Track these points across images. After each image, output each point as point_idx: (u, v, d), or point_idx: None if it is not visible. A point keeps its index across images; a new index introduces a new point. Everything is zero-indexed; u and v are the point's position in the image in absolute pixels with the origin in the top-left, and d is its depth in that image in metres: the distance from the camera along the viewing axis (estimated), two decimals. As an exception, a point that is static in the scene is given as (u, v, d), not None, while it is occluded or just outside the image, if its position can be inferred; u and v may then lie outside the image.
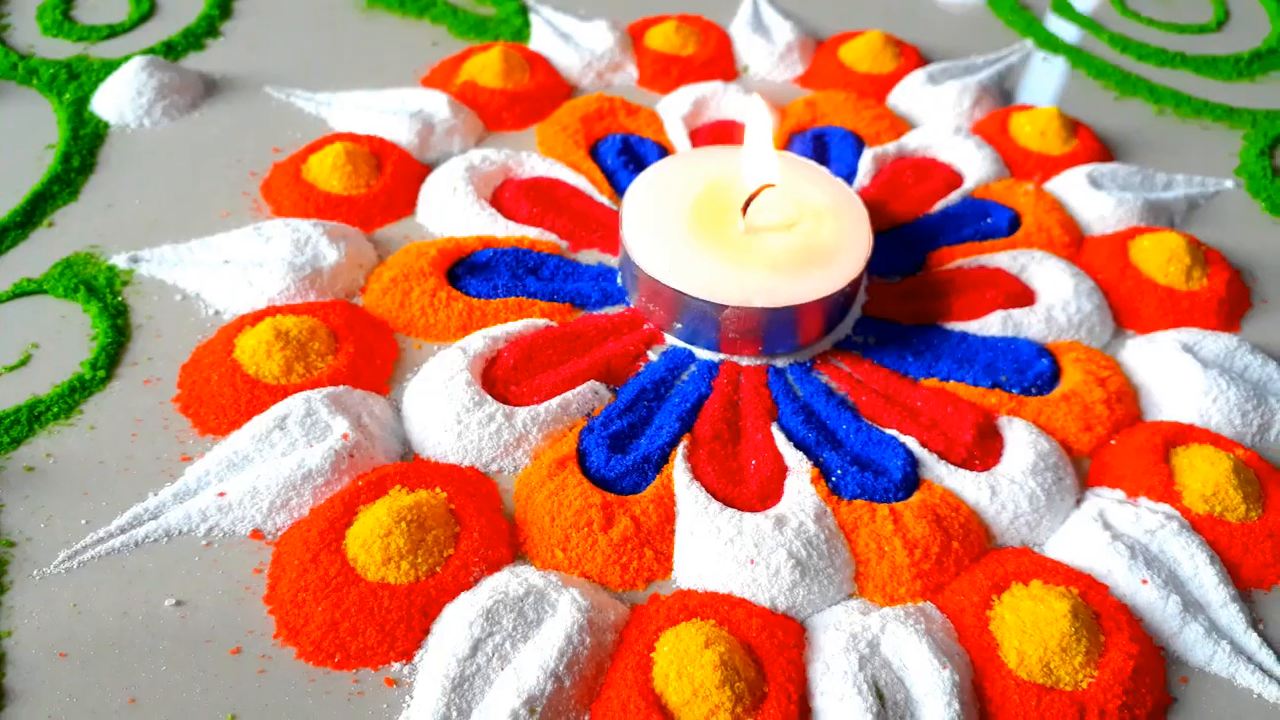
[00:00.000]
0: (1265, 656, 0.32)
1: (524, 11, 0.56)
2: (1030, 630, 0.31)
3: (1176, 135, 0.53)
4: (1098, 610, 0.32)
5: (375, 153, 0.45)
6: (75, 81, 0.50)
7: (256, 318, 0.38)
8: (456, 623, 0.30)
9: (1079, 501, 0.36)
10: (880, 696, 0.29)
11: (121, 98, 0.49)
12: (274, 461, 0.34)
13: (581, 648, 0.30)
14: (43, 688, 0.30)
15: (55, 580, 0.32)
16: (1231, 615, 0.33)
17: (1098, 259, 0.44)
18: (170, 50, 0.53)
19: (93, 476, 0.35)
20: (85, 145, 0.47)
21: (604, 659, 0.30)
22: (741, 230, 0.40)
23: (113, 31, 0.54)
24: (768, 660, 0.30)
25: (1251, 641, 0.32)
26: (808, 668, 0.30)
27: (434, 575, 0.31)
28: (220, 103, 0.50)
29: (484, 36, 0.55)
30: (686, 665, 0.29)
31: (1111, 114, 0.54)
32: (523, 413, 0.36)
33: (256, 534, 0.33)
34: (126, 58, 0.51)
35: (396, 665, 0.30)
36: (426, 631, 0.31)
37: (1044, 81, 0.55)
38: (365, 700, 0.30)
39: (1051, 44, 0.58)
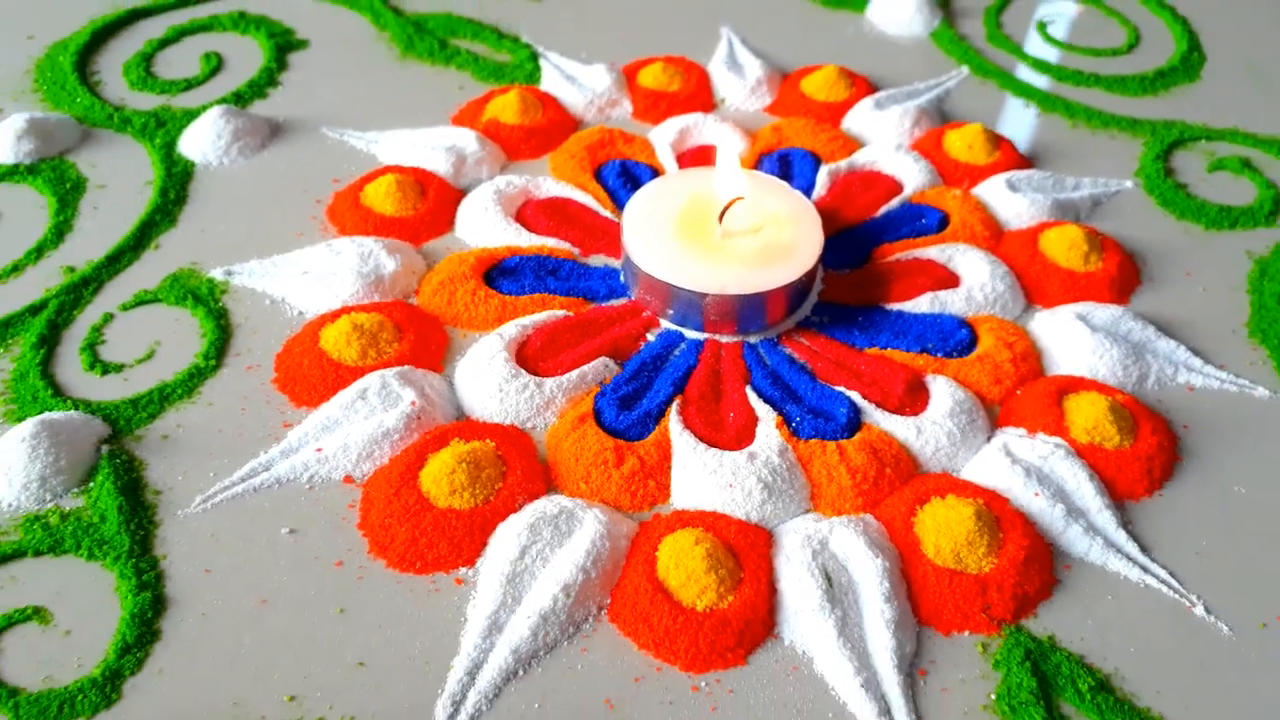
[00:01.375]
0: (1131, 549, 0.41)
1: (535, 58, 0.66)
2: (944, 529, 0.40)
3: (1087, 144, 0.62)
4: (998, 515, 0.41)
5: (419, 181, 0.55)
6: (163, 128, 0.60)
7: (334, 315, 0.47)
8: (507, 535, 0.39)
9: (989, 438, 0.45)
10: (829, 579, 0.38)
11: (203, 141, 0.58)
12: (358, 424, 0.43)
13: (602, 549, 0.39)
14: (194, 595, 0.39)
15: (194, 518, 0.41)
16: (1105, 519, 0.42)
17: (1012, 249, 0.53)
18: (239, 99, 0.62)
19: (214, 441, 0.44)
20: (177, 181, 0.57)
21: (619, 558, 0.39)
22: (719, 235, 0.49)
23: (189, 85, 0.64)
24: (743, 555, 0.39)
25: (1120, 537, 0.42)
26: (774, 560, 0.39)
27: (488, 502, 0.41)
28: (285, 143, 0.60)
29: (502, 80, 0.64)
30: (682, 558, 0.38)
31: (1036, 128, 0.63)
32: (549, 382, 0.45)
33: (348, 479, 0.42)
34: (204, 107, 0.60)
35: (463, 569, 0.40)
36: (484, 543, 0.40)
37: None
38: (441, 595, 0.39)
39: (984, 70, 0.67)
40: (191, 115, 0.60)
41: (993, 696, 0.37)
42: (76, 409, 0.45)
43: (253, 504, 0.42)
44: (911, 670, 0.37)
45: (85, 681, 0.36)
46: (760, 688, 0.37)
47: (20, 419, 0.44)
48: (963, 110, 0.64)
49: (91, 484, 0.42)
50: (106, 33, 0.67)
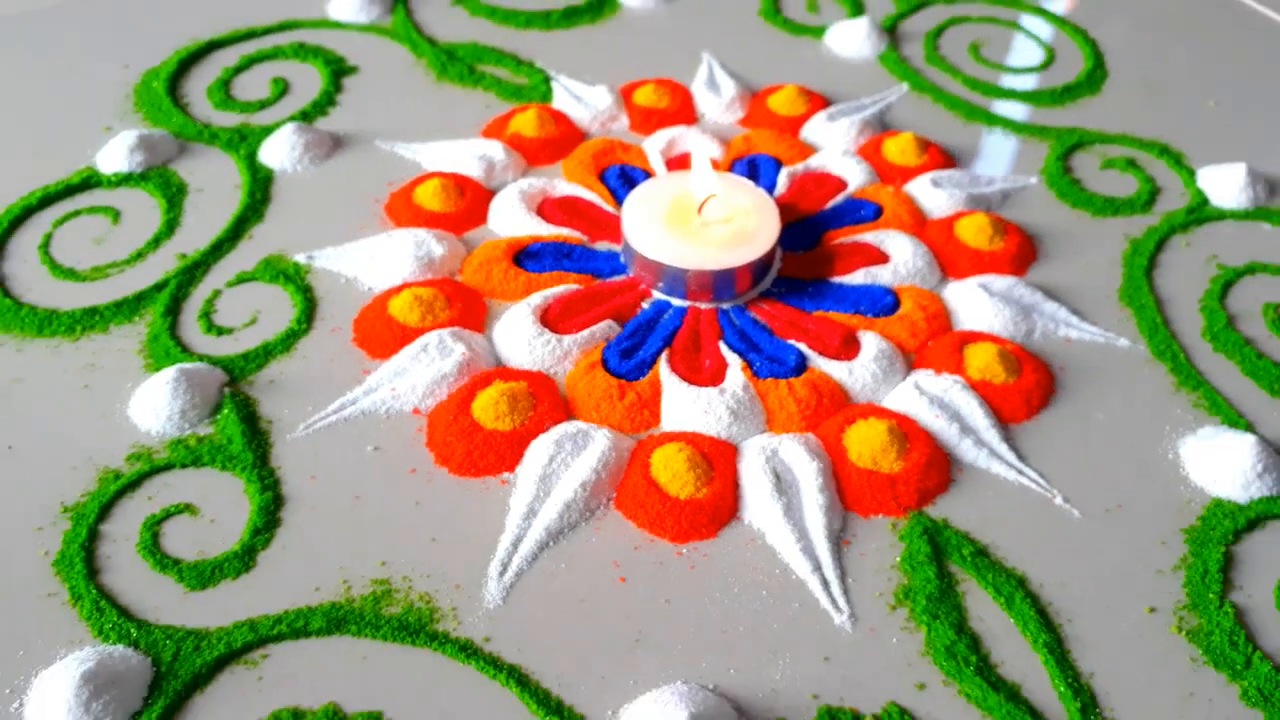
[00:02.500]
0: (1010, 457, 0.54)
1: (548, 80, 0.78)
2: (865, 441, 0.52)
3: (1002, 146, 0.75)
4: (907, 432, 0.53)
5: (458, 184, 0.67)
6: (245, 141, 0.72)
7: (397, 289, 0.60)
8: (539, 448, 0.52)
9: (905, 377, 0.57)
10: (778, 477, 0.51)
11: (280, 151, 0.71)
12: (422, 370, 0.56)
13: (609, 457, 0.51)
14: (304, 495, 0.51)
15: (299, 440, 0.54)
16: (992, 436, 0.55)
17: (932, 233, 0.66)
18: (305, 116, 0.75)
19: (309, 384, 0.57)
20: (261, 185, 0.69)
21: (622, 463, 0.52)
22: (698, 224, 0.61)
23: (262, 105, 0.76)
24: (715, 460, 0.52)
25: (1002, 449, 0.54)
26: (737, 464, 0.52)
27: (523, 425, 0.53)
28: (346, 153, 0.72)
29: (521, 99, 0.77)
30: (669, 462, 0.51)
31: (960, 134, 0.76)
32: (567, 339, 0.57)
33: (416, 410, 0.55)
34: (277, 124, 0.73)
35: (507, 474, 0.52)
36: (521, 455, 0.52)
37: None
38: (490, 493, 0.52)
39: (921, 86, 0.80)
40: (267, 131, 0.73)
41: (898, 559, 0.50)
42: (200, 361, 0.57)
43: (343, 430, 0.54)
44: (837, 541, 0.50)
45: (229, 554, 0.49)
46: (726, 554, 0.50)
47: (158, 369, 0.56)
48: (901, 121, 0.76)
49: (218, 416, 0.55)
50: (189, 62, 0.80)
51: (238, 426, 0.54)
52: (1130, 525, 0.52)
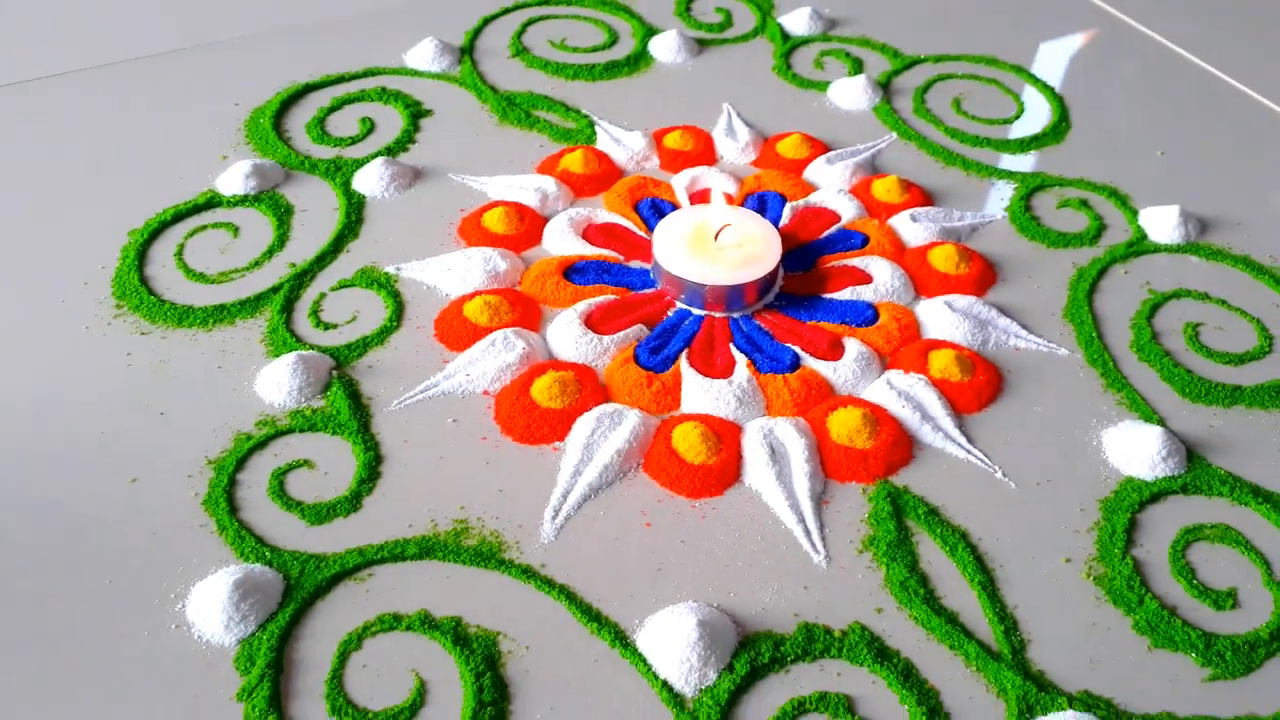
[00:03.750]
0: (961, 440, 0.65)
1: (592, 125, 0.91)
2: (843, 423, 0.64)
3: (976, 188, 0.87)
4: (877, 417, 0.65)
5: (518, 211, 0.80)
6: (340, 171, 0.85)
7: (470, 296, 0.72)
8: (584, 423, 0.64)
9: (879, 375, 0.69)
10: (773, 450, 0.63)
11: (370, 180, 0.83)
12: (491, 360, 0.68)
13: (640, 430, 0.63)
14: (399, 455, 0.64)
15: (393, 413, 0.66)
16: (947, 423, 0.66)
17: (909, 260, 0.78)
18: (389, 152, 0.88)
19: (400, 369, 0.69)
20: (355, 208, 0.82)
21: (649, 437, 0.64)
22: (715, 247, 0.74)
23: (353, 141, 0.89)
24: (723, 436, 0.64)
25: (955, 434, 0.66)
26: (741, 439, 0.64)
27: (571, 405, 0.65)
28: (424, 183, 0.85)
29: (570, 141, 0.89)
30: (687, 435, 0.63)
31: (938, 176, 0.88)
32: (606, 338, 0.70)
33: (485, 392, 0.67)
34: (367, 158, 0.86)
35: (558, 443, 0.64)
36: (570, 428, 0.65)
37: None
38: (544, 457, 0.64)
39: (909, 135, 0.92)
40: (358, 163, 0.85)
41: (866, 515, 0.61)
42: (312, 349, 0.70)
43: (428, 406, 0.67)
44: (818, 500, 0.62)
45: (340, 498, 0.61)
46: (730, 508, 0.61)
47: (278, 355, 0.69)
48: (890, 164, 0.88)
49: (328, 392, 0.67)
50: (290, 102, 0.93)
51: (344, 401, 0.66)
52: (1056, 496, 0.63)
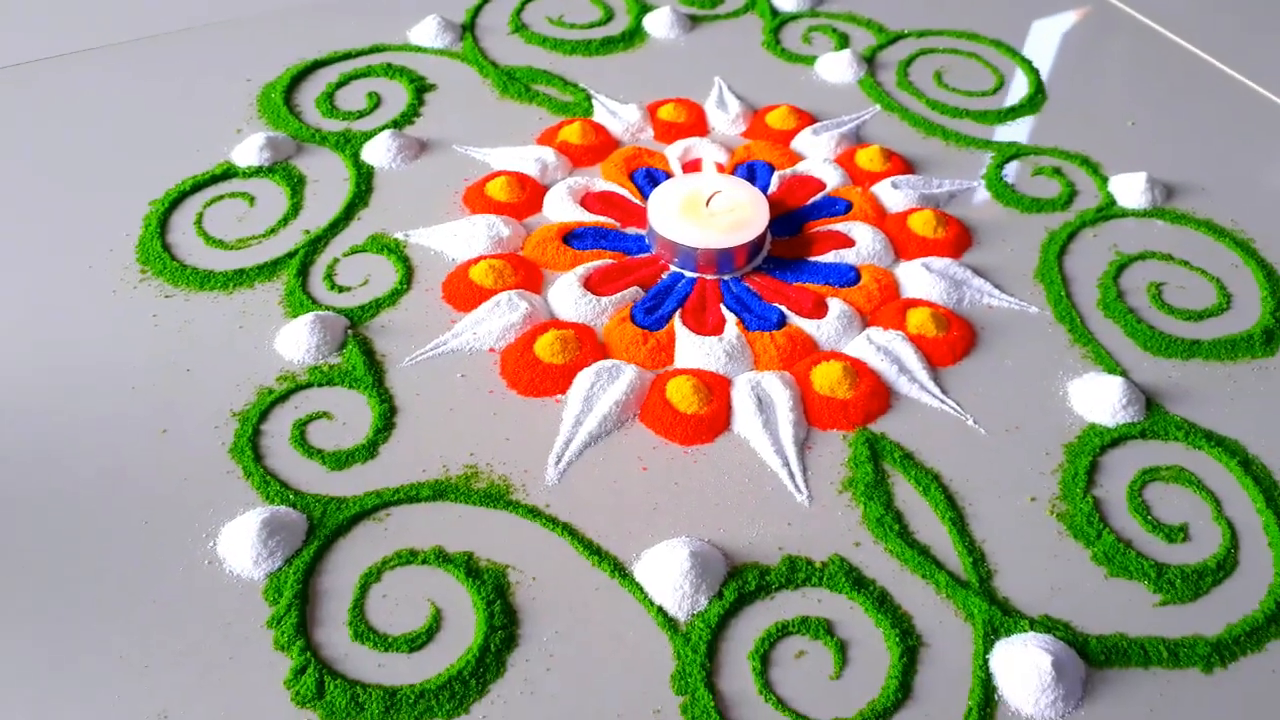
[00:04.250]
0: (935, 390, 0.70)
1: (589, 98, 0.94)
2: (825, 375, 0.68)
3: (955, 157, 0.91)
4: (857, 370, 0.69)
5: (519, 180, 0.84)
6: (350, 143, 0.89)
7: (475, 260, 0.76)
8: (584, 377, 0.68)
9: (860, 332, 0.73)
10: (759, 400, 0.67)
11: (378, 152, 0.87)
12: (496, 319, 0.72)
13: (637, 383, 0.68)
14: (412, 406, 0.68)
15: (406, 369, 0.70)
16: (923, 375, 0.70)
17: (890, 225, 0.81)
18: (396, 125, 0.91)
19: (411, 329, 0.73)
20: (365, 179, 0.86)
21: (644, 389, 0.68)
22: (707, 213, 0.77)
23: (361, 114, 0.93)
24: (714, 387, 0.68)
25: (930, 385, 0.70)
26: (730, 391, 0.68)
27: (572, 361, 0.69)
28: (430, 154, 0.88)
29: (568, 113, 0.93)
30: (680, 387, 0.67)
31: (919, 146, 0.92)
32: (605, 299, 0.74)
33: (492, 350, 0.71)
34: (374, 130, 0.90)
35: (560, 395, 0.68)
36: (571, 381, 0.69)
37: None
38: (548, 407, 0.68)
39: (891, 107, 0.96)
40: (367, 135, 0.89)
41: (846, 459, 0.66)
42: (328, 310, 0.74)
43: (439, 363, 0.71)
44: (801, 446, 0.66)
45: (359, 446, 0.65)
46: (720, 453, 0.66)
47: (296, 315, 0.73)
48: (873, 135, 0.92)
49: (344, 350, 0.71)
50: (300, 77, 0.96)
51: (359, 358, 0.70)
52: (1023, 441, 0.67)
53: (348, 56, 0.99)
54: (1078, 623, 0.58)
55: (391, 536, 0.61)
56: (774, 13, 1.07)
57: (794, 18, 1.07)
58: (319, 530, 0.61)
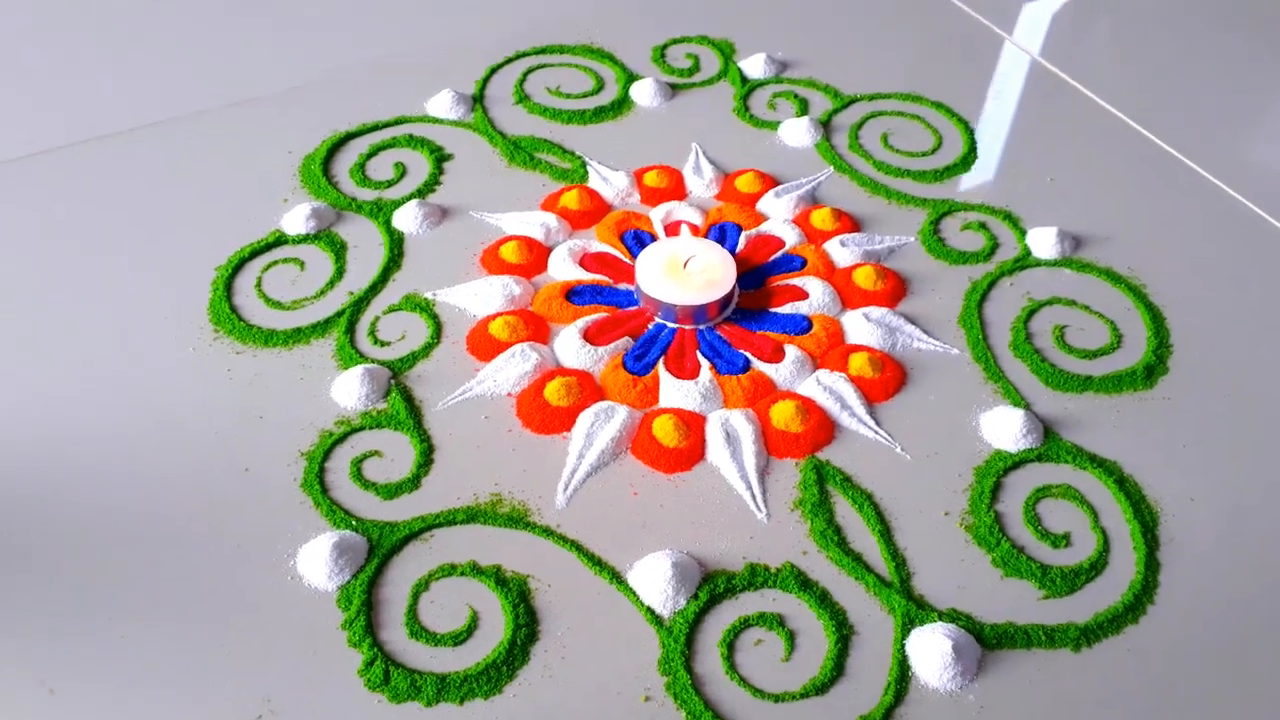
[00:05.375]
0: (871, 423, 0.84)
1: (584, 165, 1.08)
2: (781, 412, 0.82)
3: (895, 214, 1.04)
4: (807, 407, 0.83)
5: (527, 244, 0.97)
6: (382, 211, 1.02)
7: (493, 316, 0.90)
8: (585, 417, 0.82)
9: (811, 374, 0.87)
10: (728, 434, 0.81)
11: (407, 219, 1.00)
12: (512, 368, 0.86)
13: (629, 422, 0.82)
14: (448, 443, 0.82)
15: (440, 412, 0.84)
16: (861, 411, 0.84)
17: (838, 278, 0.95)
18: (420, 194, 1.05)
19: (441, 376, 0.87)
20: (396, 244, 0.99)
21: (634, 427, 0.82)
22: (685, 273, 0.91)
23: (390, 183, 1.06)
24: (691, 425, 0.82)
25: (867, 419, 0.84)
26: (705, 427, 0.82)
27: (574, 403, 0.83)
28: (451, 220, 1.02)
29: (567, 180, 1.06)
30: (663, 425, 0.81)
31: (866, 205, 1.05)
32: (600, 349, 0.88)
33: (509, 394, 0.85)
34: (401, 200, 1.03)
35: (566, 433, 0.82)
36: (575, 420, 0.83)
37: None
38: (556, 443, 0.82)
39: (843, 169, 1.09)
40: (396, 204, 1.03)
41: (797, 482, 0.80)
42: (373, 363, 0.87)
43: (466, 406, 0.85)
44: (762, 472, 0.80)
45: (405, 480, 0.79)
46: (696, 480, 0.80)
47: (347, 368, 0.87)
48: (826, 196, 1.06)
49: (388, 397, 0.85)
50: (335, 148, 1.10)
51: (401, 404, 0.84)
52: (941, 465, 0.82)
53: (375, 128, 1.12)
54: (977, 614, 0.72)
55: (435, 553, 0.75)
56: (744, 80, 1.21)
57: (761, 84, 1.20)
58: (377, 550, 0.75)
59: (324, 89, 1.18)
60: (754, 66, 1.22)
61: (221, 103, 1.16)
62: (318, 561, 0.73)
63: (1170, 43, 1.31)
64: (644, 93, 1.17)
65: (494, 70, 1.21)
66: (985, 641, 0.71)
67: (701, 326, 0.91)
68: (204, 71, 1.21)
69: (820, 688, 0.68)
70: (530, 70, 1.21)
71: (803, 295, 0.93)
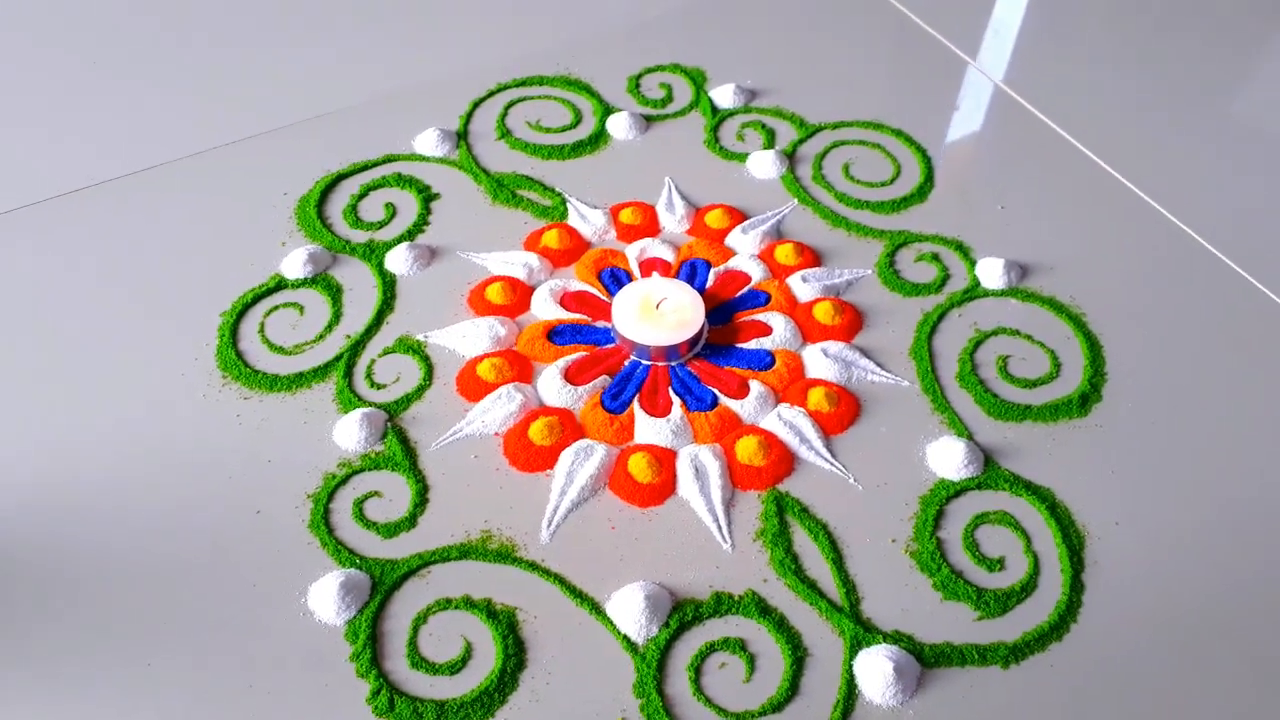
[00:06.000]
0: (827, 455, 0.91)
1: (565, 202, 1.15)
2: (745, 447, 0.90)
3: (854, 246, 1.11)
4: (769, 442, 0.91)
5: (511, 284, 1.04)
6: (375, 253, 1.09)
7: (481, 358, 0.97)
8: (566, 455, 0.90)
9: (773, 408, 0.95)
10: (696, 470, 0.89)
11: (398, 261, 1.07)
12: (499, 409, 0.93)
13: (607, 460, 0.89)
14: (441, 480, 0.89)
15: (434, 452, 0.91)
16: (819, 444, 0.92)
17: (799, 313, 1.03)
18: (410, 235, 1.11)
19: (433, 418, 0.94)
20: (389, 286, 1.06)
21: (612, 464, 0.90)
22: (658, 314, 0.98)
23: (381, 225, 1.13)
24: (663, 461, 0.89)
25: (824, 449, 0.92)
26: (676, 463, 0.90)
27: (556, 442, 0.91)
28: (439, 261, 1.09)
29: (547, 217, 1.13)
30: (637, 462, 0.88)
31: (827, 237, 1.12)
32: (581, 388, 0.95)
33: (497, 434, 0.93)
34: (393, 242, 1.10)
35: (549, 470, 0.90)
36: (557, 458, 0.90)
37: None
38: (539, 481, 0.89)
39: (806, 201, 1.16)
40: (387, 245, 1.09)
41: (760, 513, 0.88)
42: (370, 406, 0.95)
43: (457, 446, 0.92)
44: (728, 505, 0.88)
45: (402, 519, 0.87)
46: (668, 513, 0.87)
47: (347, 411, 0.94)
48: (790, 229, 1.13)
49: (385, 439, 0.92)
50: (328, 190, 1.16)
51: (398, 446, 0.92)
52: (889, 494, 0.89)
53: (365, 168, 1.18)
54: (919, 635, 0.80)
55: (431, 588, 0.83)
56: (714, 110, 1.27)
57: (730, 114, 1.27)
58: (380, 586, 0.82)
59: (313, 128, 1.24)
60: (724, 96, 1.28)
61: (212, 144, 1.22)
62: (326, 598, 0.81)
63: (1129, 71, 1.37)
64: (620, 126, 1.23)
65: (477, 104, 1.27)
66: (924, 661, 0.79)
67: (674, 363, 0.98)
68: (190, 115, 1.26)
69: (777, 706, 0.76)
70: (511, 104, 1.27)
71: (766, 330, 1.01)
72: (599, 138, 1.23)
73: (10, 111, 1.27)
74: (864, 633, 0.80)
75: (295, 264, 1.06)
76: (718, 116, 1.26)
